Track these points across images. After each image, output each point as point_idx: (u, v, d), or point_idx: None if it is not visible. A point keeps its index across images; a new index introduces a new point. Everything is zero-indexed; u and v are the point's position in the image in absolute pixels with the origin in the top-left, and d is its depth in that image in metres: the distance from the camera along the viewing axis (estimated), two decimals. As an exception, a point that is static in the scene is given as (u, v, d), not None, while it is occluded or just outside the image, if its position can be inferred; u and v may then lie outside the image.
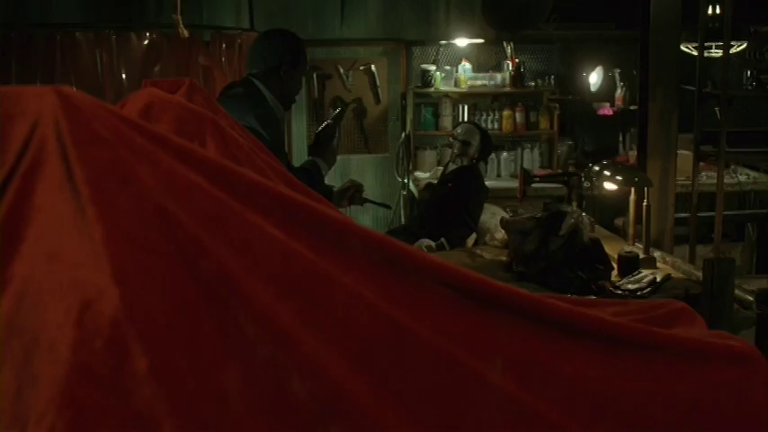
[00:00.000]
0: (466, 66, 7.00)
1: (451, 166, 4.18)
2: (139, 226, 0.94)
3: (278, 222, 1.08)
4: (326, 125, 3.38)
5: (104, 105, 0.99)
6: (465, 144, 4.11)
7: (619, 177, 3.64)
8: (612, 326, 1.32)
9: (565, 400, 1.28)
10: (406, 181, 7.05)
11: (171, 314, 0.94)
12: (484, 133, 4.23)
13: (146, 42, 4.76)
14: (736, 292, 2.91)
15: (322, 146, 3.31)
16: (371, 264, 1.14)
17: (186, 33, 3.37)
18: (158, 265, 0.94)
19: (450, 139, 4.30)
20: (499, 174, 6.94)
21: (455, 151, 4.15)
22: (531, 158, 7.06)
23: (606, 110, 6.84)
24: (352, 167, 7.10)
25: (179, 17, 3.33)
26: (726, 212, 6.07)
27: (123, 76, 4.68)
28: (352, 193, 3.61)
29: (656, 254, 3.76)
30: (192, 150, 1.05)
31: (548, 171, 6.62)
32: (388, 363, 1.13)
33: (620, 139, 6.98)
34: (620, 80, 6.88)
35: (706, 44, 5.30)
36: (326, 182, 3.46)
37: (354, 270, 1.12)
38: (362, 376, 1.10)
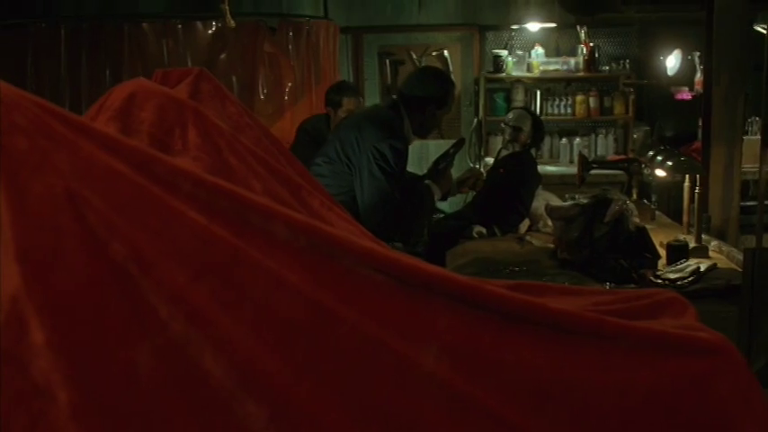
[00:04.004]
0: (539, 50, 6.90)
1: (503, 153, 4.16)
2: (48, 209, 1.00)
3: (201, 207, 1.12)
4: (446, 153, 3.78)
5: (28, 96, 1.06)
6: (516, 130, 4.07)
7: (669, 163, 3.53)
8: (557, 314, 1.31)
9: (505, 388, 1.28)
10: (477, 166, 7.01)
11: (76, 291, 1.00)
12: (536, 119, 4.18)
13: (211, 31, 4.89)
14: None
15: (438, 172, 3.73)
16: (297, 248, 1.17)
17: (233, 24, 3.46)
18: (65, 246, 1.00)
19: (502, 124, 4.27)
20: (572, 160, 6.82)
21: (506, 137, 4.13)
22: (605, 144, 6.91)
23: (685, 94, 6.62)
24: (430, 153, 7.10)
25: (226, 6, 3.43)
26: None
27: (189, 64, 4.82)
28: (474, 182, 4.06)
29: (713, 243, 3.64)
30: (116, 139, 1.10)
31: (622, 157, 6.46)
32: (311, 345, 1.16)
33: (700, 124, 6.72)
34: (700, 63, 6.63)
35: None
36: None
37: (278, 254, 1.15)
38: (282, 357, 1.13)
